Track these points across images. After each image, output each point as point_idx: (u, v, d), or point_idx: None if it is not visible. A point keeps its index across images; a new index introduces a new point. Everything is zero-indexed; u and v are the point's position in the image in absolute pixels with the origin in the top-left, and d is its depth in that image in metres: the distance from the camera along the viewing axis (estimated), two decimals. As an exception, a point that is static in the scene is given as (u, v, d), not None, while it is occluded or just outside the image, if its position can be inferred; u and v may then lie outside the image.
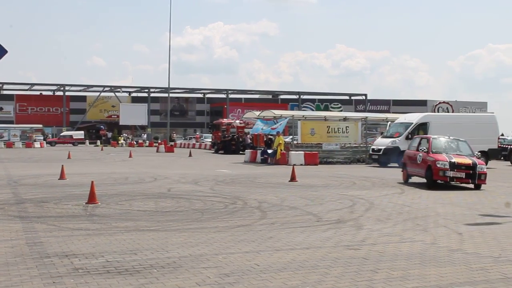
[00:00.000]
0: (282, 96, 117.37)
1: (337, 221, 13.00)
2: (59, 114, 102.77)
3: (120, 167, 33.05)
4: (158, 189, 19.90)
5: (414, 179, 23.01)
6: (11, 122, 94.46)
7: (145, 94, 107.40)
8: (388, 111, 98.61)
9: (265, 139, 41.17)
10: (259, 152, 38.32)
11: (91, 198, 15.66)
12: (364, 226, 12.39)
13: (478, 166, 20.35)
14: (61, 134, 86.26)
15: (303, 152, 35.83)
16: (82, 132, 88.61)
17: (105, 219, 13.07)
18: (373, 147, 35.78)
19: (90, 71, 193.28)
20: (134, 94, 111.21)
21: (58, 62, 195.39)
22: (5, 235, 11.06)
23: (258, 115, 42.46)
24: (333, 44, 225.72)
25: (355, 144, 39.46)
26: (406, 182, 23.13)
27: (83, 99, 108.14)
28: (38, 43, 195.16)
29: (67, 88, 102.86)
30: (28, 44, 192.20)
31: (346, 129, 38.45)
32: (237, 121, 58.47)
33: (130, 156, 44.22)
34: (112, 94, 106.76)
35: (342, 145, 38.83)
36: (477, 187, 20.56)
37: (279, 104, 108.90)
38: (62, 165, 25.11)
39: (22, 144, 70.61)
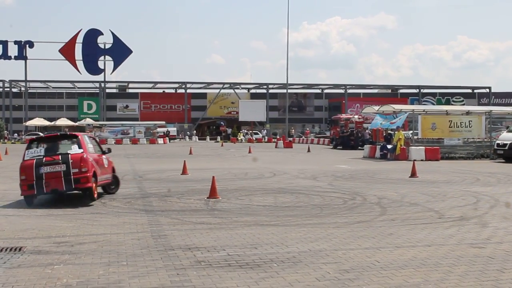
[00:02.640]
0: (401, 90, 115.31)
1: (460, 218, 12.61)
2: (181, 111, 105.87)
3: (240, 162, 33.58)
4: (278, 184, 20.05)
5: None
6: (136, 119, 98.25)
7: (264, 90, 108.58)
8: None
9: (384, 134, 40.50)
10: (378, 147, 37.78)
11: (212, 193, 16.03)
12: (489, 223, 11.94)
13: None
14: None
15: (423, 147, 35.02)
16: (175, 128, 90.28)
17: (225, 214, 13.34)
18: (498, 141, 34.34)
19: (210, 68, 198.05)
20: (252, 91, 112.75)
21: (180, 60, 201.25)
22: (132, 227, 11.53)
23: (377, 110, 41.84)
24: (454, 36, 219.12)
25: (479, 139, 38.08)
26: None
27: (203, 96, 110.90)
28: (160, 42, 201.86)
29: (188, 85, 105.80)
30: (151, 43, 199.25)
31: (469, 124, 37.15)
32: (356, 116, 57.97)
33: (250, 152, 44.77)
34: (231, 90, 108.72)
35: (465, 140, 37.60)
36: None
37: (398, 98, 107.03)
38: (184, 161, 25.83)
39: (147, 140, 73.14)
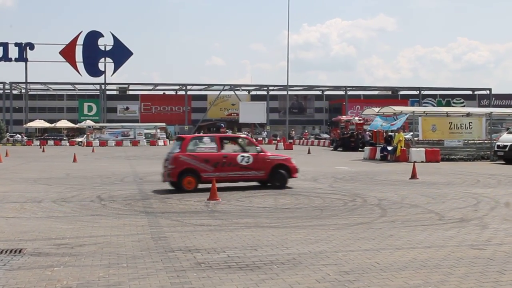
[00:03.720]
0: (401, 92, 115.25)
1: (460, 220, 12.61)
2: (181, 113, 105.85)
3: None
4: (278, 186, 20.02)
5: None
6: (136, 121, 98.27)
7: (264, 92, 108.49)
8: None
9: (384, 135, 40.50)
10: (378, 149, 37.78)
11: (212, 195, 16.04)
12: (489, 225, 11.94)
13: None
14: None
15: (424, 149, 35.03)
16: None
17: (226, 215, 13.34)
18: (498, 143, 34.34)
19: (210, 70, 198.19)
20: (253, 92, 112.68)
21: (180, 62, 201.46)
22: (132, 229, 11.53)
23: (378, 112, 41.84)
24: (454, 38, 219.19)
25: (479, 140, 38.06)
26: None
27: (204, 98, 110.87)
28: (161, 44, 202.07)
29: (188, 87, 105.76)
30: (152, 45, 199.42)
31: (470, 125, 37.14)
32: (356, 118, 57.98)
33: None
34: (231, 92, 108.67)
35: (465, 141, 37.58)
36: None
37: (399, 100, 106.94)
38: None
39: (147, 142, 73.15)
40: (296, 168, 20.09)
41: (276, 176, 19.40)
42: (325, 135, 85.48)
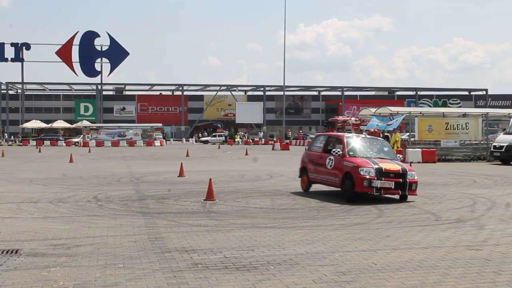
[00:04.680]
0: (398, 93, 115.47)
1: (456, 221, 12.63)
2: (178, 113, 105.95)
3: (237, 164, 33.58)
4: (274, 186, 20.06)
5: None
6: (132, 121, 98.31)
7: (261, 93, 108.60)
8: (511, 107, 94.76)
9: (381, 136, 40.50)
10: (375, 149, 37.73)
11: (209, 195, 16.03)
12: (485, 226, 11.96)
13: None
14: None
15: (420, 149, 35.06)
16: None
17: (222, 216, 13.33)
18: (494, 144, 34.41)
19: (206, 70, 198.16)
20: (249, 93, 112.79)
21: (177, 62, 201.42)
22: (128, 229, 11.52)
23: (374, 112, 41.89)
24: (450, 38, 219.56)
25: (476, 141, 38.11)
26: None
27: (200, 98, 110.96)
28: (157, 45, 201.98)
29: (185, 88, 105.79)
30: (148, 46, 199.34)
31: (466, 126, 37.19)
32: (353, 119, 58.04)
33: (247, 154, 44.73)
34: (228, 93, 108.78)
35: (462, 142, 37.62)
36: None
37: (395, 100, 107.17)
38: (181, 163, 25.83)
39: (143, 143, 73.09)
40: None
41: None
42: None
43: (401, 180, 15.83)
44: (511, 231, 11.37)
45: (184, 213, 13.80)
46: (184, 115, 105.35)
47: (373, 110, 43.23)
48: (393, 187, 15.76)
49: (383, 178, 15.62)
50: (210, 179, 16.67)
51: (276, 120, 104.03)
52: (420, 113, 39.79)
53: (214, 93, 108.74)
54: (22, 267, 8.32)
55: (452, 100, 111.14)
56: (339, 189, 16.70)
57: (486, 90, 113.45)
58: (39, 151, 51.53)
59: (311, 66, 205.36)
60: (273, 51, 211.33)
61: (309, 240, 10.30)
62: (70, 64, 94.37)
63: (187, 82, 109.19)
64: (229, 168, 30.13)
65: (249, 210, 14.44)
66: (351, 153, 16.76)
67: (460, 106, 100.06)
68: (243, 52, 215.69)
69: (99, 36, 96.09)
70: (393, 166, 16.10)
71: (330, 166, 17.10)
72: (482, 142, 38.09)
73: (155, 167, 31.50)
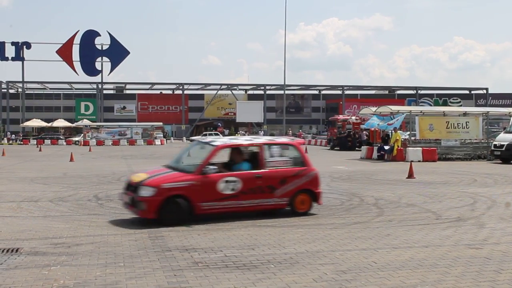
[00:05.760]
0: (398, 92, 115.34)
1: (457, 219, 12.63)
2: (178, 112, 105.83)
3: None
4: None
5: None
6: (133, 120, 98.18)
7: (261, 92, 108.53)
8: (511, 106, 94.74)
9: (381, 135, 40.51)
10: (375, 148, 37.76)
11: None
12: (486, 224, 11.96)
13: None
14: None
15: (421, 148, 35.03)
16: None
17: (223, 215, 13.31)
18: (495, 142, 34.36)
19: (207, 69, 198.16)
20: (250, 92, 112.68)
21: (177, 61, 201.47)
22: (129, 228, 11.51)
23: (375, 111, 41.82)
24: (450, 37, 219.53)
25: (476, 140, 38.07)
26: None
27: (201, 97, 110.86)
28: (158, 44, 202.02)
29: (185, 87, 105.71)
30: (148, 45, 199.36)
31: (467, 125, 37.14)
32: (353, 117, 57.89)
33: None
34: (228, 92, 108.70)
35: (462, 141, 37.59)
36: None
37: (395, 99, 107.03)
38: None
39: (144, 142, 73.06)
40: None
41: None
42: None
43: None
44: (511, 230, 11.37)
45: (184, 212, 13.75)
46: (185, 114, 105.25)
47: (373, 109, 43.13)
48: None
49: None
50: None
51: (276, 119, 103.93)
52: (421, 112, 39.73)
53: (215, 92, 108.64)
54: (22, 266, 8.32)
55: (453, 99, 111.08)
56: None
57: (486, 89, 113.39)
58: (40, 150, 51.55)
59: (312, 65, 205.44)
60: (274, 50, 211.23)
61: (309, 239, 10.30)
62: (70, 63, 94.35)
63: (188, 81, 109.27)
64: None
65: (250, 209, 14.41)
66: None
67: (461, 105, 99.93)
68: (244, 51, 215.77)
69: (99, 35, 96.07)
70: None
71: None
72: (482, 141, 38.05)
73: (155, 165, 31.37)
